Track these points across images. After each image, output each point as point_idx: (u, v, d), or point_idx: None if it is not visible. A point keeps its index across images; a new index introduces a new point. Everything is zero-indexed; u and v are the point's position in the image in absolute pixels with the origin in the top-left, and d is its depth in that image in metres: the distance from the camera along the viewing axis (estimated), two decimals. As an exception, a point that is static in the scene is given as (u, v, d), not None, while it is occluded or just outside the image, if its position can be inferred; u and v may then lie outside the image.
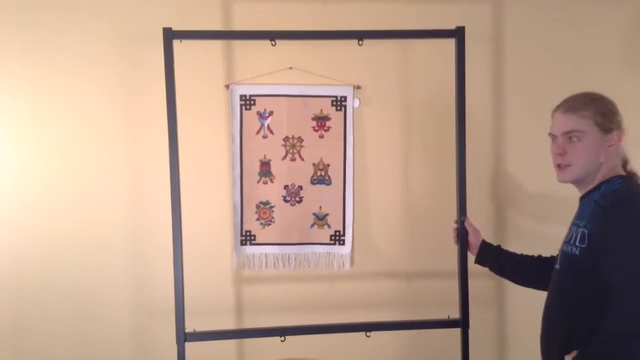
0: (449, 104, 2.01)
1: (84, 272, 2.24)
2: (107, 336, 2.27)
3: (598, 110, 1.52)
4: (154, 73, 2.05)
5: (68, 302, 2.25)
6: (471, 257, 1.96)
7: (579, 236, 1.48)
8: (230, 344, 2.31)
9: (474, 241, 1.94)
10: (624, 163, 1.58)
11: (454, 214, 2.00)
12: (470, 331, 2.00)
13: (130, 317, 2.28)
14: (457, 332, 2.00)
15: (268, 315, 2.25)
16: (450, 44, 1.98)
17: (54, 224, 2.22)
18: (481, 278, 2.13)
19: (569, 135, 1.54)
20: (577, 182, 1.59)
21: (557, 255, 1.61)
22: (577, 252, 1.47)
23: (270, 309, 2.30)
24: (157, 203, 2.20)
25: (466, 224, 1.95)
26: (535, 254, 1.83)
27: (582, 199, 1.57)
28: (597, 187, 1.52)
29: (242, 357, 2.33)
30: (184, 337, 1.91)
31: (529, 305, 1.80)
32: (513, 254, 1.89)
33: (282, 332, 1.98)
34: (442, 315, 2.03)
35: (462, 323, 1.99)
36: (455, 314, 2.01)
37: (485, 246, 1.93)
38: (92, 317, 2.26)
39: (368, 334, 1.93)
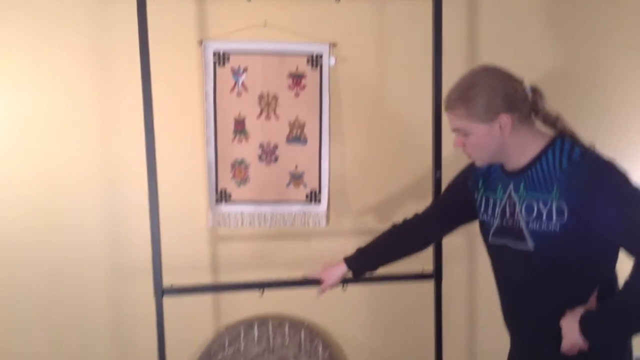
0: (425, 65, 2.03)
1: (57, 233, 2.20)
2: (82, 296, 2.25)
3: (471, 106, 1.39)
4: (126, 29, 2.00)
5: (40, 263, 2.21)
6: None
7: (554, 211, 1.35)
8: (207, 301, 2.33)
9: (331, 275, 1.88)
10: (554, 120, 1.44)
11: (428, 169, 2.03)
12: (443, 284, 2.06)
13: (105, 276, 2.26)
14: (430, 285, 2.06)
15: (244, 273, 2.25)
16: (427, 4, 1.98)
17: (24, 184, 2.16)
18: (453, 234, 2.18)
19: (457, 131, 1.47)
20: (497, 162, 1.51)
21: (522, 234, 1.44)
22: (557, 229, 1.35)
23: (247, 267, 2.31)
24: (131, 161, 2.17)
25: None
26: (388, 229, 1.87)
27: (521, 171, 1.44)
28: (539, 157, 1.40)
29: (219, 314, 2.35)
30: (161, 292, 1.90)
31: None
32: (376, 244, 1.88)
33: (261, 286, 2.00)
34: (416, 269, 2.08)
35: (436, 276, 2.05)
36: (429, 268, 2.06)
37: (354, 260, 1.86)
38: (66, 278, 2.23)
39: (344, 287, 1.97)
